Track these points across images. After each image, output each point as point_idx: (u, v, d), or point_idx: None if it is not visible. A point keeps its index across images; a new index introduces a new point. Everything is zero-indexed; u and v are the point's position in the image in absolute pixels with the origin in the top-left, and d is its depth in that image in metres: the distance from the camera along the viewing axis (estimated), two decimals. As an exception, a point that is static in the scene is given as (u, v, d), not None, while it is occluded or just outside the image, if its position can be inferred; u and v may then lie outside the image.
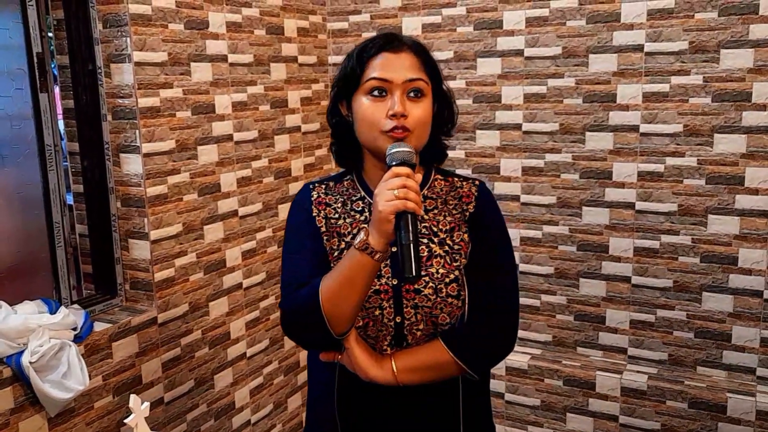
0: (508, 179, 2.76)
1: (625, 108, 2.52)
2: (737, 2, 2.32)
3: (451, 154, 2.78)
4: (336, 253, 1.35)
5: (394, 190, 1.16)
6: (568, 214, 2.68)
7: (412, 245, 1.15)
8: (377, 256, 1.19)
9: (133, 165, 2.20)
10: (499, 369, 2.81)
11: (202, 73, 2.38)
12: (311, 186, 1.44)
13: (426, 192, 1.39)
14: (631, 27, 2.46)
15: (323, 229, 1.37)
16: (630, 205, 2.57)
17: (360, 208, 1.38)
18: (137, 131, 2.17)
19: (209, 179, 2.45)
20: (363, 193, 1.40)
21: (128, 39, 2.11)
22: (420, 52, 1.34)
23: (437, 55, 1.42)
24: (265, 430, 2.84)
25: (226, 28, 2.47)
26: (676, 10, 2.39)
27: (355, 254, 1.20)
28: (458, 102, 2.74)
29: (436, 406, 1.37)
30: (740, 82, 2.35)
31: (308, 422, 1.53)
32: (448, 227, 1.37)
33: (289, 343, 2.93)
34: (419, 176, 1.22)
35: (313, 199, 1.41)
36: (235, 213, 2.58)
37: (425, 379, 1.32)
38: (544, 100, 2.64)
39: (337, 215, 1.38)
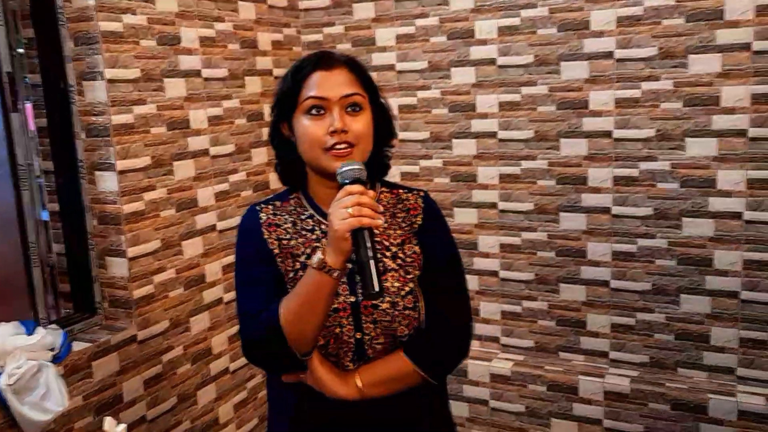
0: (485, 187, 2.78)
1: (598, 114, 2.55)
2: (703, 8, 2.35)
3: (428, 163, 2.83)
4: (291, 275, 1.34)
5: (348, 208, 1.16)
6: (546, 220, 2.70)
7: (372, 261, 1.16)
8: (335, 274, 1.20)
9: (108, 182, 2.19)
10: (482, 376, 2.82)
11: (175, 88, 2.38)
12: (257, 208, 1.42)
13: None
14: (600, 34, 2.50)
15: (276, 251, 1.36)
16: (606, 210, 2.60)
17: (310, 227, 1.38)
18: (111, 148, 2.16)
19: (186, 194, 2.45)
20: (311, 211, 1.39)
21: (100, 56, 2.11)
22: (354, 67, 1.35)
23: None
24: (249, 445, 2.83)
25: (199, 43, 2.47)
26: (645, 17, 2.43)
27: (313, 274, 1.20)
28: (433, 111, 2.79)
29: (397, 413, 1.37)
30: (708, 86, 2.39)
31: None
32: (398, 240, 1.38)
33: (271, 357, 2.92)
34: (372, 192, 1.22)
35: (262, 221, 1.39)
36: (213, 227, 2.58)
37: (390, 391, 1.33)
38: (519, 107, 2.67)
39: (288, 236, 1.37)
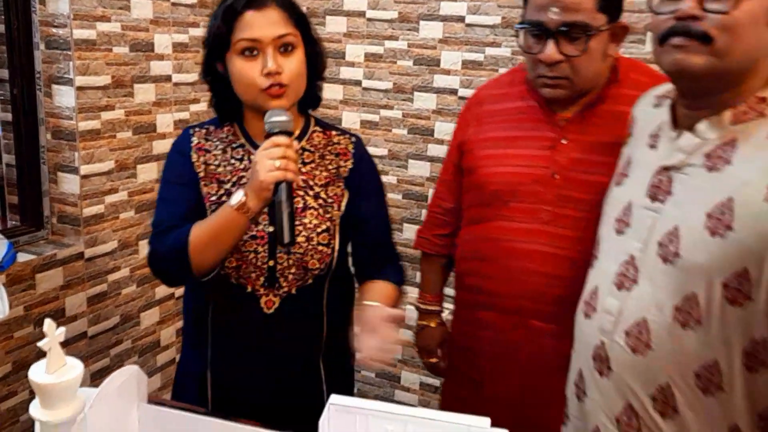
0: (440, 142, 2.81)
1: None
2: None
3: (389, 113, 2.80)
4: (213, 198, 1.39)
5: (275, 161, 1.21)
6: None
7: (286, 214, 1.22)
8: (251, 215, 1.27)
9: (65, 97, 2.17)
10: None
11: (142, 9, 2.34)
12: (191, 131, 1.45)
13: (305, 144, 1.44)
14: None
15: (201, 174, 1.40)
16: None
17: (240, 156, 1.41)
18: (71, 63, 2.14)
19: (145, 118, 2.44)
20: (243, 140, 1.43)
21: (66, -33, 2.06)
22: (285, 4, 1.33)
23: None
24: (188, 370, 2.89)
25: (170, -34, 2.43)
26: None
27: (230, 212, 1.26)
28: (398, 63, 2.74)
29: (302, 332, 1.45)
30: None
31: (183, 350, 1.60)
32: (323, 182, 1.43)
33: (218, 288, 2.96)
34: (296, 145, 1.27)
35: (192, 144, 1.43)
36: (169, 154, 2.57)
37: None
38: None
39: (216, 162, 1.41)
